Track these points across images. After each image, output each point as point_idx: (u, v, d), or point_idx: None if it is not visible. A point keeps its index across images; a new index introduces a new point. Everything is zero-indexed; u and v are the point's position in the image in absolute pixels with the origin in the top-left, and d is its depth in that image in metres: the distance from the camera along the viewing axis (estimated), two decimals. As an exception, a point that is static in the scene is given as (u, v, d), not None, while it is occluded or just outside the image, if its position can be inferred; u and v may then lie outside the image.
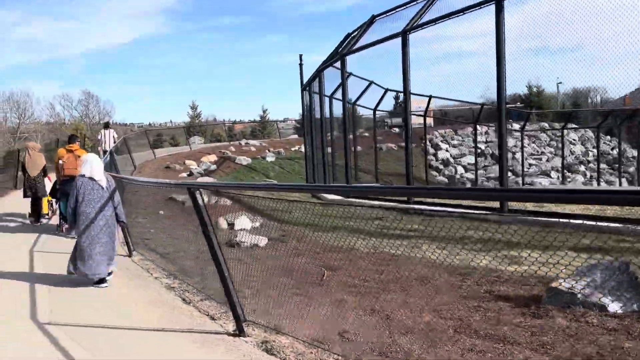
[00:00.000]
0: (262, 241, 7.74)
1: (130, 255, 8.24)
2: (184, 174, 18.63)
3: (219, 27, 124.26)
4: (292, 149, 29.77)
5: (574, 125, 37.59)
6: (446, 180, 30.60)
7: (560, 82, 36.66)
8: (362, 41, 13.55)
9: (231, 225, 9.90)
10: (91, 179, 6.34)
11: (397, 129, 35.53)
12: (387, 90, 25.52)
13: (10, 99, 45.22)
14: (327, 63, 19.79)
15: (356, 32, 15.18)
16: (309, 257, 6.50)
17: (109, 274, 6.45)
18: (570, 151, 35.58)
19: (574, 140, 37.52)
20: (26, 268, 7.44)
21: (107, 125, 19.58)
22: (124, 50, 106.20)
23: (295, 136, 37.57)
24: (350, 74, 20.05)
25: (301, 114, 21.98)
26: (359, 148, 25.66)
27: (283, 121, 42.73)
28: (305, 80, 21.58)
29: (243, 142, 30.21)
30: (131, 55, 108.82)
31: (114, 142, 17.99)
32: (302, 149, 30.29)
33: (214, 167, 21.39)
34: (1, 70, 79.46)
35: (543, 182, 30.47)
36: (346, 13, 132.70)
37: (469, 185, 29.60)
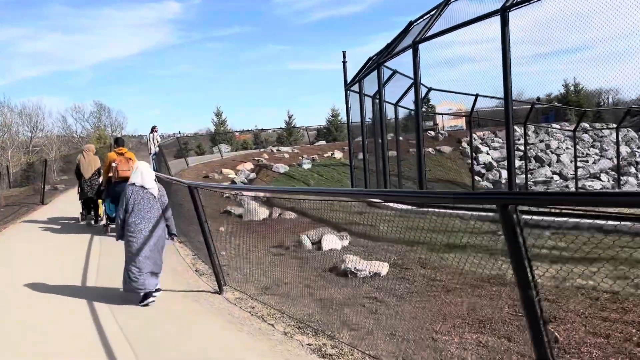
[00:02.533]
0: (382, 268, 6.06)
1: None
2: (226, 184, 17.08)
3: (225, 36, 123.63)
4: (325, 155, 28.22)
5: (611, 125, 35.70)
6: (491, 185, 28.80)
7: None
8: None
9: (316, 244, 8.25)
10: (142, 187, 5.96)
11: (432, 132, 33.86)
12: (430, 89, 23.91)
13: (22, 113, 44.26)
14: (367, 69, 18.26)
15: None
16: (471, 295, 4.80)
17: (157, 290, 5.98)
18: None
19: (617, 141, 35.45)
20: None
21: (153, 129, 19.91)
22: (132, 62, 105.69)
23: (323, 142, 36.00)
24: (395, 71, 18.49)
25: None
26: (393, 153, 24.08)
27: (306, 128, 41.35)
28: (349, 79, 19.97)
29: (274, 149, 28.66)
30: (139, 66, 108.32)
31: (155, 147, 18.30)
32: (335, 155, 28.78)
33: (253, 175, 19.84)
34: (12, 84, 79.22)
35: (595, 186, 28.55)
36: (351, 20, 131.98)
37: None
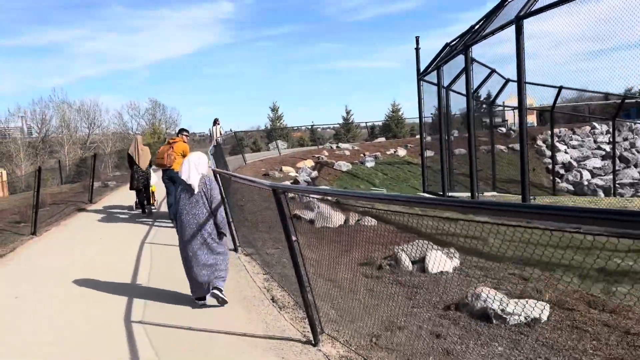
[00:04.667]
0: (539, 310, 4.26)
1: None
2: (288, 182, 15.55)
3: (276, 35, 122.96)
4: (388, 152, 26.37)
5: None
6: (571, 187, 26.15)
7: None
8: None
9: (417, 263, 6.52)
10: (185, 181, 5.58)
11: (503, 129, 31.37)
12: (508, 80, 21.68)
13: (80, 110, 44.62)
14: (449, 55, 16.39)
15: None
16: None
17: (218, 290, 5.40)
18: None
19: None
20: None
21: (215, 122, 20.39)
22: (187, 61, 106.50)
23: (383, 139, 34.11)
24: (473, 59, 16.48)
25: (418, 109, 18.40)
26: (462, 150, 21.98)
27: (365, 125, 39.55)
28: (423, 67, 18.07)
29: (334, 145, 27.05)
30: (193, 65, 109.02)
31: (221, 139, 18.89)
32: (399, 153, 26.86)
33: (315, 173, 18.29)
34: (72, 84, 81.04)
35: (692, 189, 25.38)
36: (402, 17, 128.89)
37: (601, 193, 25.05)
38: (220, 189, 9.04)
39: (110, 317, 5.12)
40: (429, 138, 29.75)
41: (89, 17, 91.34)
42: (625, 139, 30.38)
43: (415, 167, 24.19)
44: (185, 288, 5.60)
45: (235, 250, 7.85)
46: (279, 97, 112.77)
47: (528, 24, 11.13)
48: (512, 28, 10.57)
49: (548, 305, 4.30)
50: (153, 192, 12.33)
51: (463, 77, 17.06)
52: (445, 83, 16.76)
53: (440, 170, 18.97)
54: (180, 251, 5.55)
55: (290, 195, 10.71)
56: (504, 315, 4.23)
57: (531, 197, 11.09)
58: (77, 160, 28.83)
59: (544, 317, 4.21)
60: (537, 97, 33.29)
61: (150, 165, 12.08)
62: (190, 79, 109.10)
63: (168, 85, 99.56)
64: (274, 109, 37.21)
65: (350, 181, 19.36)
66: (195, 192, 5.51)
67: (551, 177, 26.69)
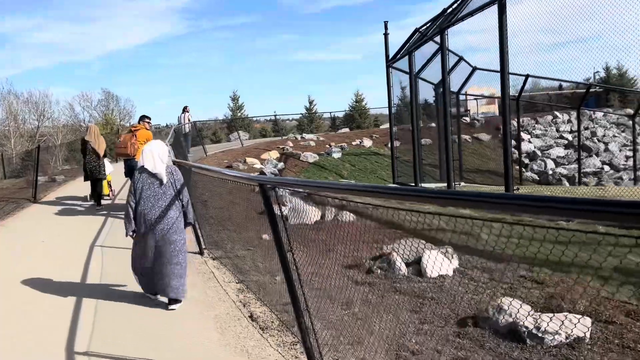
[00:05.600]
0: (580, 326, 3.53)
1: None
2: (254, 175, 14.59)
3: (233, 26, 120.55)
4: (353, 143, 25.66)
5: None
6: (536, 176, 26.11)
7: (597, 71, 31.88)
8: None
9: (412, 265, 5.76)
10: (150, 171, 5.17)
11: (467, 118, 31.13)
12: (475, 68, 21.27)
13: (29, 101, 41.96)
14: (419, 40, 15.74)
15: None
16: None
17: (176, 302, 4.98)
18: (668, 140, 30.78)
19: (665, 128, 32.54)
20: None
21: (185, 109, 20.02)
22: (141, 52, 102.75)
23: (347, 129, 33.42)
24: (441, 46, 15.91)
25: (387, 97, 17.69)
26: (428, 141, 21.53)
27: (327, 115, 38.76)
28: (392, 54, 17.34)
29: (298, 136, 26.13)
30: (149, 56, 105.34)
31: (194, 126, 19.24)
32: (365, 144, 26.19)
33: (281, 165, 17.35)
34: (21, 75, 76.77)
35: (652, 178, 25.70)
36: (360, 9, 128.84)
37: (566, 183, 25.11)
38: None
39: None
40: (394, 128, 29.25)
41: (39, 6, 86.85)
42: (586, 128, 30.69)
43: (382, 158, 23.59)
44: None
45: (201, 253, 6.89)
46: (240, 88, 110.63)
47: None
48: (493, 8, 9.96)
49: (590, 320, 3.57)
50: (109, 182, 11.90)
51: (433, 63, 16.50)
52: (415, 70, 16.11)
53: (412, 160, 18.42)
54: (136, 247, 5.10)
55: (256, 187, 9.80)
56: (541, 335, 3.48)
57: (515, 187, 10.52)
58: (22, 154, 26.93)
59: (587, 335, 3.48)
60: (499, 87, 33.14)
61: (104, 156, 11.54)
62: (146, 70, 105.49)
63: (122, 77, 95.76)
64: (234, 99, 35.80)
65: (318, 173, 18.53)
66: (164, 182, 5.12)
67: (517, 167, 26.65)
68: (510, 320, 3.71)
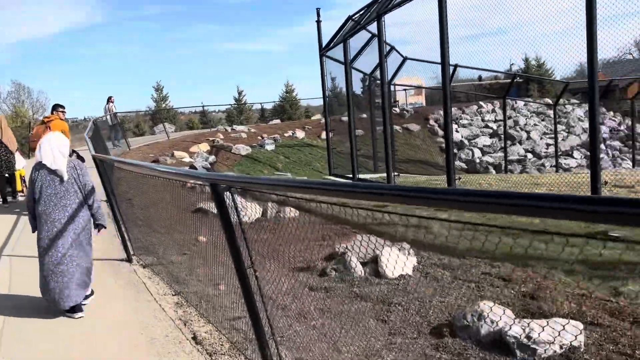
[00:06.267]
0: (573, 334, 3.18)
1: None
2: (184, 169, 13.65)
3: (154, 15, 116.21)
4: (286, 134, 25.09)
5: (575, 100, 34.80)
6: (464, 165, 26.70)
7: (513, 63, 33.41)
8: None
9: (369, 265, 5.30)
10: (48, 167, 4.65)
11: (397, 109, 31.32)
12: (405, 58, 21.26)
13: None
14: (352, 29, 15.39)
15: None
16: None
17: (87, 296, 4.74)
18: (583, 128, 32.60)
19: (580, 116, 34.53)
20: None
21: (109, 100, 19.47)
22: (55, 41, 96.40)
23: (278, 120, 32.75)
24: (374, 35, 15.70)
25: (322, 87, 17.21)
26: (360, 131, 21.39)
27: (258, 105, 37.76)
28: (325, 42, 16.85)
29: (229, 128, 25.16)
30: (62, 46, 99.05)
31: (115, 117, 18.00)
32: (297, 135, 25.67)
33: (212, 158, 16.47)
34: None
35: (570, 164, 27.06)
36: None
37: (492, 170, 25.86)
38: (105, 179, 7.14)
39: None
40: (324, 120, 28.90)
41: None
42: (509, 117, 31.77)
43: (316, 150, 23.18)
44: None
45: (129, 260, 6.08)
46: (163, 79, 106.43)
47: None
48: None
49: (581, 325, 3.23)
50: (22, 177, 11.03)
51: (365, 53, 16.21)
52: (350, 59, 15.73)
53: (346, 152, 18.10)
54: (41, 256, 4.55)
55: (190, 184, 9.07)
56: (532, 345, 3.09)
57: (457, 178, 10.37)
58: None
59: (582, 344, 3.13)
60: (426, 77, 33.70)
61: (15, 149, 10.63)
62: (61, 61, 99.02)
63: (34, 68, 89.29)
64: (158, 89, 33.94)
65: (252, 166, 17.80)
66: (65, 179, 4.66)
67: (443, 155, 27.12)
68: (494, 328, 3.30)
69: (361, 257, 5.40)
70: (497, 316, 3.35)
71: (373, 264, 5.29)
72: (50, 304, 4.55)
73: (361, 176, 15.40)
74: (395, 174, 12.67)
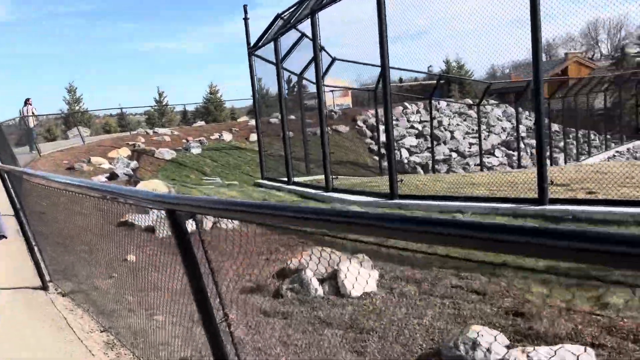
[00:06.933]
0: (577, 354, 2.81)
1: None
2: (102, 177, 12.46)
3: (67, 13, 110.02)
4: (212, 137, 24.11)
5: (494, 101, 36.26)
6: (393, 165, 26.90)
7: (431, 66, 34.55)
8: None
9: (328, 281, 4.79)
10: None
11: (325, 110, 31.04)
12: (334, 59, 21.03)
13: None
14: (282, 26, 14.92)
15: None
16: None
17: None
18: (502, 128, 33.98)
19: (499, 116, 35.99)
20: None
21: (27, 102, 18.88)
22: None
23: (203, 122, 31.55)
24: (303, 34, 15.35)
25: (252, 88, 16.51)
26: (290, 133, 20.96)
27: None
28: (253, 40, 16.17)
29: (150, 131, 23.78)
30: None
31: (35, 120, 18.06)
32: (224, 137, 24.74)
33: (134, 164, 15.31)
34: None
35: (493, 162, 28.04)
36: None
37: (420, 170, 26.22)
38: (12, 193, 6.17)
39: None
40: (253, 121, 28.09)
41: None
42: (434, 118, 32.48)
43: (244, 152, 22.42)
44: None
45: (45, 287, 5.16)
46: (76, 80, 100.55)
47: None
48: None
49: (593, 352, 2.85)
50: None
51: (294, 53, 15.72)
52: (281, 58, 15.19)
53: (277, 155, 17.51)
54: None
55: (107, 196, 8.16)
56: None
57: (399, 179, 10.10)
58: None
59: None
60: (351, 79, 33.78)
61: None
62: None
63: None
64: (71, 91, 31.45)
65: (177, 171, 16.77)
66: None
67: (375, 157, 27.25)
68: (496, 359, 2.87)
69: (318, 273, 4.86)
70: (496, 344, 2.92)
71: (332, 280, 4.76)
72: None
73: (296, 179, 14.88)
74: (334, 176, 12.26)
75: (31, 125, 18.48)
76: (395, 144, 30.11)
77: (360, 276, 4.56)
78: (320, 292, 4.58)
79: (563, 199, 7.79)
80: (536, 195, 7.76)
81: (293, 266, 5.06)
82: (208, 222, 7.63)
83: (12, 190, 6.24)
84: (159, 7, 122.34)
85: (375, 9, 9.26)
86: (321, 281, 4.78)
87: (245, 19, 16.21)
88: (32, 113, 18.78)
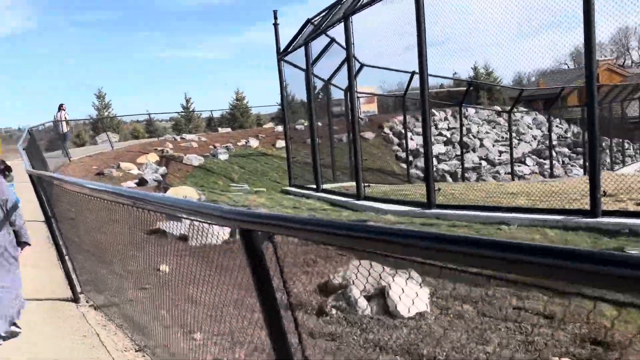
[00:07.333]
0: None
1: None
2: (132, 183, 12.35)
3: (91, 22, 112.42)
4: (239, 143, 23.99)
5: (523, 108, 35.47)
6: (420, 173, 26.38)
7: (456, 72, 33.83)
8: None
9: (374, 299, 4.45)
10: None
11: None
12: (362, 65, 20.73)
13: None
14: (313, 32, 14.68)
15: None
16: None
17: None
18: (532, 136, 33.23)
19: (529, 124, 35.19)
20: None
21: (60, 107, 18.89)
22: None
23: (229, 129, 31.54)
24: (333, 40, 15.08)
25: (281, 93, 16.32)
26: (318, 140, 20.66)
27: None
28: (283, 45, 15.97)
29: (178, 137, 23.79)
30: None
31: (68, 126, 18.10)
32: (251, 144, 24.59)
33: (162, 169, 15.20)
34: None
35: (524, 171, 27.33)
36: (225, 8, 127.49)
37: (449, 178, 25.69)
38: (43, 199, 5.98)
39: None
40: (280, 127, 27.91)
41: None
42: (461, 125, 31.94)
43: (271, 159, 22.22)
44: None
45: (76, 300, 4.93)
46: (104, 86, 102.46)
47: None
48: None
49: None
50: None
51: (323, 58, 15.47)
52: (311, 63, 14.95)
53: (304, 161, 17.26)
54: None
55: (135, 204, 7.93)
56: None
57: (436, 188, 9.71)
58: None
59: None
60: (376, 85, 33.45)
61: None
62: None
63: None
64: (100, 97, 31.83)
65: (205, 177, 16.62)
66: None
67: (402, 164, 26.80)
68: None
69: (364, 289, 4.52)
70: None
71: (380, 298, 4.42)
72: None
73: (324, 186, 14.58)
74: (366, 184, 11.91)
75: (65, 130, 18.76)
76: (422, 151, 29.60)
77: (410, 294, 4.21)
78: (367, 311, 4.25)
79: (616, 211, 7.31)
80: (586, 207, 7.31)
81: (336, 281, 4.74)
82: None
83: (43, 196, 6.07)
84: (182, 17, 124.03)
85: (414, 12, 8.93)
86: (368, 298, 4.44)
87: (275, 25, 16.01)
88: (65, 118, 18.97)
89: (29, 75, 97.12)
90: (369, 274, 4.53)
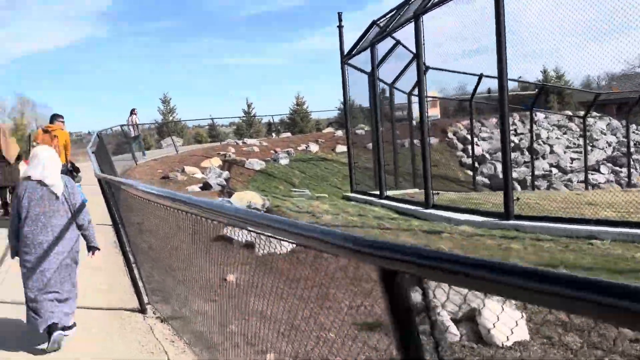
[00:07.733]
0: None
1: None
2: (196, 187, 12.36)
3: (156, 30, 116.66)
4: (299, 148, 23.86)
5: (596, 113, 33.49)
6: (487, 180, 25.35)
7: (520, 76, 31.97)
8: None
9: (464, 322, 3.98)
10: (41, 182, 4.24)
11: (414, 122, 30.08)
12: (428, 67, 20.02)
13: None
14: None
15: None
16: None
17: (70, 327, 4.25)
18: (607, 142, 31.29)
19: (603, 130, 33.16)
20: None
21: (132, 112, 19.63)
22: (59, 55, 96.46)
23: (289, 134, 31.57)
24: (398, 42, 14.56)
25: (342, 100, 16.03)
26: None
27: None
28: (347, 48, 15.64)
29: (240, 141, 23.96)
30: (68, 59, 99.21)
31: (138, 129, 18.68)
32: (311, 149, 24.43)
33: (225, 174, 15.21)
34: None
35: (599, 179, 25.71)
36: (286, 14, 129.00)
37: (517, 186, 24.48)
38: (112, 203, 5.88)
39: None
40: (340, 132, 27.63)
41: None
42: (530, 130, 30.55)
43: (331, 164, 21.94)
44: None
45: (143, 310, 4.74)
46: (169, 92, 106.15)
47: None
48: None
49: None
50: None
51: (387, 61, 15.01)
52: (368, 67, 14.58)
53: (366, 167, 16.86)
54: (25, 281, 4.15)
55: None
56: None
57: (515, 198, 9.07)
58: None
59: None
60: (438, 89, 32.50)
61: (19, 159, 10.03)
62: (66, 75, 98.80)
63: (39, 81, 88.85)
64: (165, 101, 32.71)
65: (266, 182, 16.53)
66: (59, 196, 4.29)
67: (467, 171, 25.86)
68: None
69: (450, 310, 4.07)
70: None
71: (470, 322, 3.96)
72: (32, 329, 4.14)
73: (388, 193, 14.11)
74: (435, 192, 11.36)
75: (136, 134, 19.41)
76: (490, 156, 28.50)
77: (504, 318, 3.73)
78: (457, 337, 3.79)
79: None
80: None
81: (416, 299, 4.29)
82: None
83: (110, 200, 5.98)
84: (241, 24, 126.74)
85: (493, 9, 8.37)
86: (456, 322, 3.99)
87: (340, 27, 15.70)
88: (136, 122, 19.57)
89: (96, 82, 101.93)
90: (450, 290, 4.08)
